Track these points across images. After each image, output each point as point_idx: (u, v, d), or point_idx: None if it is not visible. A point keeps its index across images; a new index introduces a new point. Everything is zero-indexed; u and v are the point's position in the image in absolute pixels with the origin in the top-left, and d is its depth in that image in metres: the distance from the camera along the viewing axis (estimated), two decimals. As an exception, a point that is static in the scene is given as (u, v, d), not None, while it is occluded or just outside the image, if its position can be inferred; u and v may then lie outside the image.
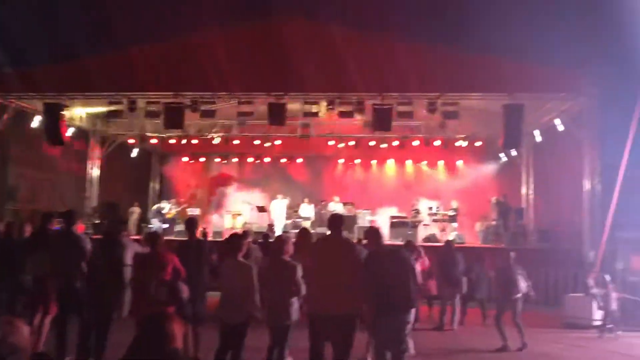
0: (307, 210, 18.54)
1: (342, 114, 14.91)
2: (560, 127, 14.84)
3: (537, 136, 16.47)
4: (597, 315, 10.99)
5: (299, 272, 6.23)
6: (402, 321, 5.90)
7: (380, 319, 5.84)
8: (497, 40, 13.37)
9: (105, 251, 7.00)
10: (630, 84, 12.52)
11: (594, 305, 11.08)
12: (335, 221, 6.18)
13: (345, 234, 6.54)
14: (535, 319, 11.79)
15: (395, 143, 18.57)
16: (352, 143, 18.88)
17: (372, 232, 6.44)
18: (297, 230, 11.48)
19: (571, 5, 12.60)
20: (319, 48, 13.62)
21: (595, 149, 14.12)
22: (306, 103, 14.80)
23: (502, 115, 14.13)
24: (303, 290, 6.16)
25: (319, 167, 21.16)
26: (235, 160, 21.47)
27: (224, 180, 21.40)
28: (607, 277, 10.99)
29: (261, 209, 18.65)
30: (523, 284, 9.16)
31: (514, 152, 18.42)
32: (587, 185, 14.24)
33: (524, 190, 19.08)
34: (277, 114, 14.46)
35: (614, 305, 10.56)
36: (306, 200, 18.82)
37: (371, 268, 5.88)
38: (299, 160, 21.04)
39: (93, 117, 18.60)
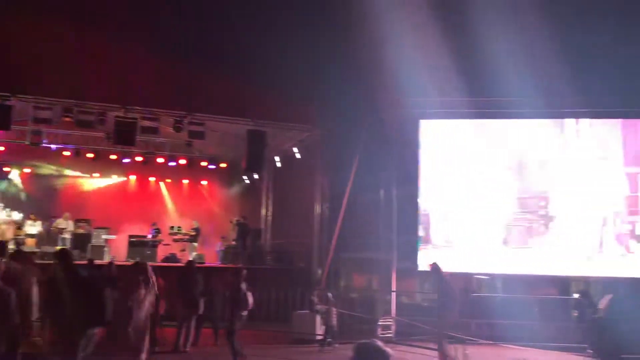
0: (33, 226, 16.62)
1: (80, 124, 13.85)
2: (298, 155, 16.00)
3: (278, 162, 17.46)
4: (320, 330, 11.94)
5: (13, 299, 5.64)
6: (91, 336, 6.40)
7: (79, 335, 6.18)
8: (245, 67, 13.85)
9: None
10: (357, 121, 14.14)
11: (318, 320, 12.04)
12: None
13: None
14: (266, 335, 12.34)
15: (139, 159, 17.89)
16: (90, 155, 17.57)
17: (61, 255, 6.69)
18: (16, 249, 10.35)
19: (313, 42, 13.70)
20: (56, 51, 12.47)
21: (325, 176, 15.53)
22: (37, 108, 13.37)
23: (246, 140, 14.68)
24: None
25: (51, 179, 19.15)
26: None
27: None
28: (330, 295, 12.06)
29: (-27, 224, 16.14)
30: (250, 300, 9.42)
31: (256, 176, 19.20)
32: (317, 209, 15.55)
33: (263, 212, 20.00)
34: (0, 117, 12.77)
35: (334, 321, 11.60)
36: (33, 215, 16.87)
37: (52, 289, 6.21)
38: (27, 170, 18.80)
39: None
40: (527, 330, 11.54)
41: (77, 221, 17.01)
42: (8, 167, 18.35)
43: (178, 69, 13.74)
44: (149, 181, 20.27)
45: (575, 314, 11.50)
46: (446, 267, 13.35)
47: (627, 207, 12.78)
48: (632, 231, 12.68)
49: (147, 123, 14.18)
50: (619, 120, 13.12)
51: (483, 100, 13.21)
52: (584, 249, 12.76)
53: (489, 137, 13.70)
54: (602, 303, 8.28)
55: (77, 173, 19.29)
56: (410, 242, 13.69)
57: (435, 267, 10.19)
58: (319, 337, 11.77)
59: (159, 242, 17.25)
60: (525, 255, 12.99)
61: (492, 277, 13.50)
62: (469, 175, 13.62)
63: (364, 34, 12.28)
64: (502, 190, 13.33)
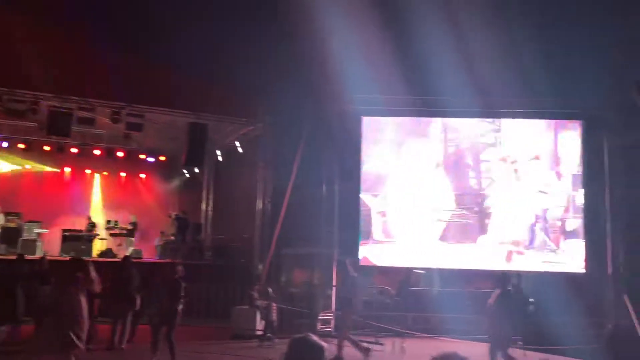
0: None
1: (10, 113, 13.24)
2: (240, 149, 15.86)
3: (219, 156, 17.23)
4: (260, 325, 11.91)
5: None
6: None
7: None
8: (187, 59, 13.56)
9: None
10: (299, 117, 14.13)
11: (258, 316, 12.00)
12: None
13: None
14: (205, 331, 12.21)
15: (74, 150, 17.25)
16: (22, 146, 16.80)
17: None
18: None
19: (257, 37, 13.56)
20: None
21: (267, 171, 15.46)
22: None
23: (187, 133, 14.44)
24: None
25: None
26: None
27: None
28: (270, 290, 12.04)
29: None
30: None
31: (196, 169, 18.86)
32: (259, 204, 15.46)
33: (203, 207, 19.70)
34: None
35: (274, 316, 11.60)
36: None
37: None
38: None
39: None
40: (461, 322, 11.87)
41: (7, 214, 16.26)
42: None
43: (117, 59, 13.33)
44: (85, 174, 19.55)
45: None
46: (386, 262, 13.68)
47: (557, 205, 13.36)
48: (562, 228, 13.27)
49: (83, 113, 13.75)
50: (552, 121, 13.70)
51: (423, 98, 13.49)
52: (516, 244, 13.27)
53: (428, 135, 14.00)
54: (492, 297, 8.93)
55: (8, 164, 18.42)
56: (352, 237, 13.83)
57: (344, 263, 10.52)
58: (259, 333, 11.74)
59: (95, 236, 16.74)
60: (461, 250, 13.39)
61: (429, 271, 13.80)
62: (409, 171, 13.88)
63: (307, 30, 12.28)
64: (441, 187, 13.65)
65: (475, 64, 12.46)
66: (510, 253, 13.24)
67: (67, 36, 12.77)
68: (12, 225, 16.02)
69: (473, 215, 13.51)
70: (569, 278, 12.81)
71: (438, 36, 12.10)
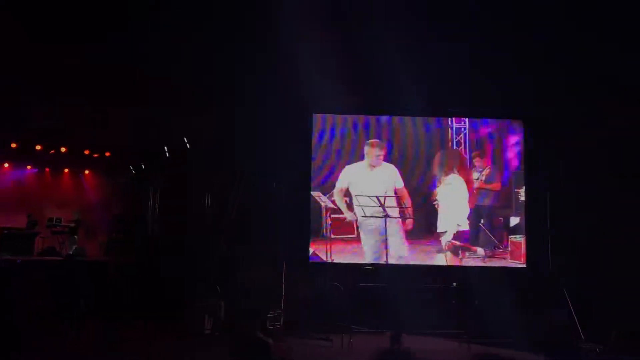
0: None
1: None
2: (188, 145, 15.58)
3: (167, 152, 16.87)
4: (208, 323, 11.80)
5: None
6: None
7: None
8: (132, 50, 13.18)
9: None
10: (249, 112, 14.01)
11: (206, 314, 11.88)
12: None
13: None
14: (154, 330, 12.03)
15: (14, 145, 16.57)
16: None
17: None
18: None
19: (208, 31, 13.36)
20: None
21: (217, 167, 15.24)
22: None
23: (133, 128, 14.12)
24: None
25: None
26: None
27: None
28: (218, 287, 11.95)
29: None
30: None
31: (143, 165, 18.45)
32: (208, 200, 15.27)
33: (150, 204, 19.26)
34: None
35: (222, 313, 11.51)
36: None
37: None
38: None
39: None
40: (409, 317, 12.06)
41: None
42: None
43: (61, 52, 12.88)
44: (26, 169, 18.85)
45: (454, 302, 12.23)
46: (336, 259, 13.77)
47: (500, 202, 13.81)
48: (505, 224, 13.73)
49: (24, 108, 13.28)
50: (495, 120, 14.14)
51: (374, 96, 13.65)
52: (462, 240, 13.64)
53: (379, 132, 14.17)
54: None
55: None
56: (302, 234, 13.85)
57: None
58: (207, 331, 11.63)
59: (36, 234, 16.19)
60: (410, 247, 13.65)
61: (379, 267, 13.96)
62: (360, 169, 14.00)
63: (259, 24, 12.19)
64: (390, 184, 13.84)
65: (425, 64, 12.66)
66: (456, 249, 13.59)
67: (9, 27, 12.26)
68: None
69: (421, 211, 13.78)
70: (512, 273, 13.23)
71: (388, 36, 12.23)
